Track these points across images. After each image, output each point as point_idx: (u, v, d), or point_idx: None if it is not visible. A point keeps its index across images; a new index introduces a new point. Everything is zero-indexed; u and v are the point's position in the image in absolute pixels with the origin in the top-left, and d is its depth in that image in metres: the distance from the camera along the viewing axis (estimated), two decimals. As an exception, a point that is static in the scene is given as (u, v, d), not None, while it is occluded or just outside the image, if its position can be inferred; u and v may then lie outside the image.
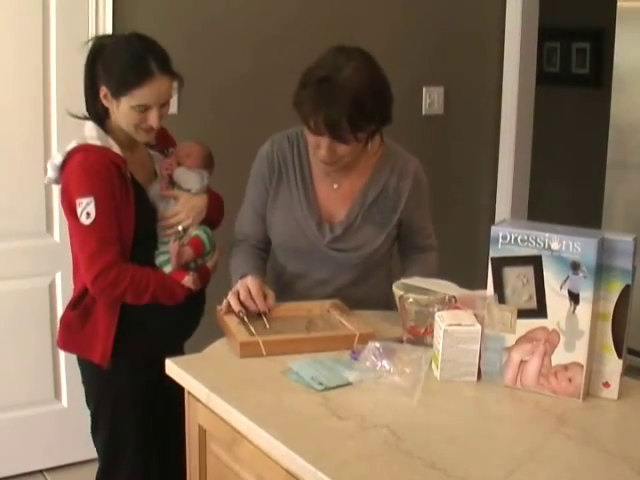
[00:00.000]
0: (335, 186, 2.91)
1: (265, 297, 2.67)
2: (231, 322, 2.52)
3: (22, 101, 3.59)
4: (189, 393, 2.30)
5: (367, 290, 2.92)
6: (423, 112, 4.66)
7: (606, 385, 2.14)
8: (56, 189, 3.64)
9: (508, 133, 4.88)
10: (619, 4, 4.19)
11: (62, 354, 3.73)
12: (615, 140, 4.36)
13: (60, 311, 3.75)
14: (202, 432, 2.29)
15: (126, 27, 3.48)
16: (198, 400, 2.24)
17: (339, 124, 2.61)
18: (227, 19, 3.94)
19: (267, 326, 2.57)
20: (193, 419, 2.32)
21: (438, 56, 4.64)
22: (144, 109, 2.72)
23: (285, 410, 2.05)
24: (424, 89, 4.63)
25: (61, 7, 3.58)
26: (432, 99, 4.66)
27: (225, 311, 2.63)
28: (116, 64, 2.73)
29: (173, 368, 2.34)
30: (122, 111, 2.74)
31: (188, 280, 2.82)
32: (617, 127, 4.34)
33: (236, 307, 2.61)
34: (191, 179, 2.94)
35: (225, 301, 2.65)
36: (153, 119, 2.74)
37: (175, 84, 2.81)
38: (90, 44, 2.82)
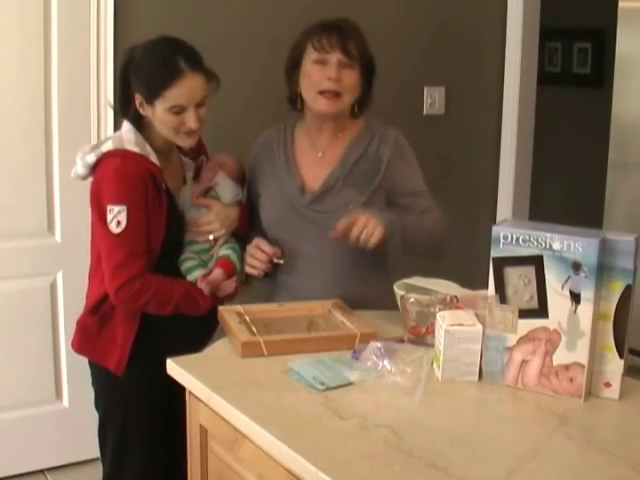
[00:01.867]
0: (320, 154, 2.99)
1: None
2: (232, 322, 2.52)
3: (24, 101, 3.60)
4: (190, 393, 2.30)
5: (365, 289, 2.92)
6: (424, 112, 4.65)
7: (607, 385, 2.14)
8: (58, 189, 3.66)
9: (509, 133, 4.87)
10: (620, 4, 4.19)
11: (64, 354, 3.74)
12: (616, 140, 4.36)
13: (61, 310, 3.76)
14: (203, 432, 2.29)
15: (128, 32, 3.50)
16: (199, 400, 2.24)
17: (348, 40, 2.86)
18: (229, 27, 3.94)
19: (281, 262, 2.83)
20: (194, 419, 2.32)
21: (439, 56, 4.64)
22: (179, 110, 2.70)
23: (286, 410, 2.05)
24: (425, 89, 4.62)
25: (63, 10, 3.57)
26: (433, 99, 4.66)
27: (255, 272, 2.86)
28: (146, 69, 2.71)
29: (174, 368, 2.34)
30: (159, 116, 2.72)
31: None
32: (618, 127, 4.34)
33: (250, 265, 2.86)
34: (229, 188, 2.95)
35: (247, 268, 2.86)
36: (191, 120, 2.71)
37: (211, 84, 2.79)
38: (123, 57, 2.82)
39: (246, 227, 3.03)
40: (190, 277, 2.81)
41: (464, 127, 4.81)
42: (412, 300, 2.44)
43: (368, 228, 2.67)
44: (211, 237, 2.87)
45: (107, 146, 2.74)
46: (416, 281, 2.62)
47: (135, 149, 2.72)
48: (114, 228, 2.65)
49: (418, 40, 4.52)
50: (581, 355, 2.10)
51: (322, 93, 2.85)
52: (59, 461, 3.93)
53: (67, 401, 3.89)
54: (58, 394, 3.88)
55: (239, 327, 2.48)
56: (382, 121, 3.08)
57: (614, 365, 2.13)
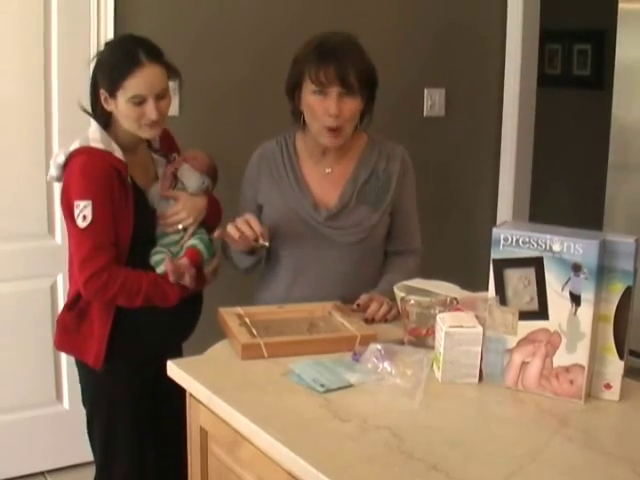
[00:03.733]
0: (328, 170, 3.00)
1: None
2: (233, 323, 2.52)
3: (24, 103, 3.60)
4: (190, 395, 2.30)
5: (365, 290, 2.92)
6: (424, 114, 4.65)
7: (607, 387, 2.14)
8: (58, 190, 3.65)
9: (509, 135, 4.88)
10: (620, 5, 4.19)
11: (64, 356, 3.73)
12: (616, 141, 4.35)
13: (62, 313, 3.76)
14: (204, 434, 2.29)
15: (127, 31, 3.50)
16: (199, 402, 2.24)
17: (348, 73, 2.79)
18: (229, 23, 3.94)
19: (265, 244, 2.77)
20: (194, 421, 2.32)
21: (439, 57, 4.64)
22: (140, 101, 2.75)
23: (286, 412, 2.05)
24: (425, 91, 4.62)
25: (63, 9, 3.58)
26: (433, 101, 4.66)
27: (219, 234, 2.82)
28: (108, 62, 2.79)
29: (174, 370, 2.34)
30: (121, 109, 2.77)
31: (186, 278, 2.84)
32: (618, 128, 4.34)
33: (232, 229, 2.75)
34: (192, 178, 2.96)
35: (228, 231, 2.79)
36: (151, 111, 2.76)
37: (175, 83, 2.87)
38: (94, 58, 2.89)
39: (217, 217, 3.08)
40: (159, 270, 2.83)
41: (464, 129, 4.82)
42: (412, 302, 2.44)
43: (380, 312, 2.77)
44: (180, 227, 2.90)
45: (74, 145, 2.80)
46: (416, 283, 2.62)
47: (100, 146, 2.77)
48: (80, 222, 2.71)
49: (418, 42, 4.52)
50: (581, 357, 2.10)
51: (325, 128, 2.85)
52: (59, 463, 3.93)
53: (67, 403, 3.89)
54: (58, 396, 3.88)
55: (239, 329, 2.49)
56: (384, 137, 3.09)
57: (614, 367, 2.13)
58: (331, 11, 4.00)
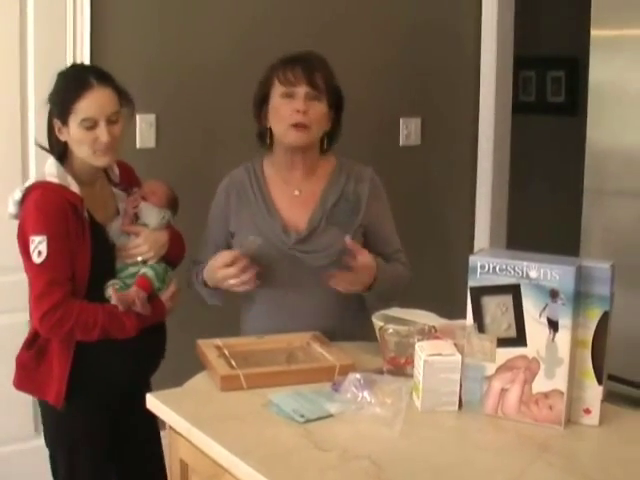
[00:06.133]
0: (296, 192, 3.00)
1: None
2: (211, 355, 2.52)
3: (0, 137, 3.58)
4: (170, 427, 2.29)
5: (343, 323, 2.92)
6: (400, 143, 4.66)
7: (587, 412, 2.15)
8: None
9: (485, 162, 4.89)
10: (592, 33, 4.22)
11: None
12: (591, 167, 4.37)
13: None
14: (184, 466, 2.28)
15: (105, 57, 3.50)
16: (179, 434, 2.23)
17: (314, 72, 2.89)
18: (208, 54, 3.95)
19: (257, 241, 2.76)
20: (174, 453, 2.31)
21: (414, 87, 4.66)
22: (91, 125, 2.74)
23: (267, 443, 2.05)
24: (401, 120, 4.64)
25: (39, 37, 3.57)
26: (409, 130, 4.67)
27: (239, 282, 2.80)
28: (57, 89, 2.80)
29: (153, 402, 2.33)
30: (73, 134, 2.76)
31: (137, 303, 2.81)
32: (593, 154, 4.36)
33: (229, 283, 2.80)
34: (151, 214, 2.95)
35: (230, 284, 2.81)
36: (102, 134, 2.74)
37: (125, 104, 2.86)
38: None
39: (179, 250, 3.08)
40: (113, 301, 2.79)
41: (440, 157, 4.83)
42: (391, 331, 2.45)
43: (362, 271, 2.78)
44: (139, 259, 2.89)
45: (30, 181, 2.81)
46: (394, 312, 2.62)
47: (55, 180, 2.76)
48: (36, 258, 2.69)
49: (393, 71, 4.54)
50: (560, 382, 2.11)
51: (292, 126, 2.87)
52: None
53: (46, 438, 3.86)
54: (37, 430, 3.85)
55: (218, 361, 2.48)
56: (354, 160, 3.10)
57: (593, 392, 2.14)
58: (301, 45, 4.00)
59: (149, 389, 2.80)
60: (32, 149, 3.61)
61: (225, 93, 3.99)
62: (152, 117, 3.76)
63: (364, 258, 2.78)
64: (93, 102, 2.74)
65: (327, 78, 2.92)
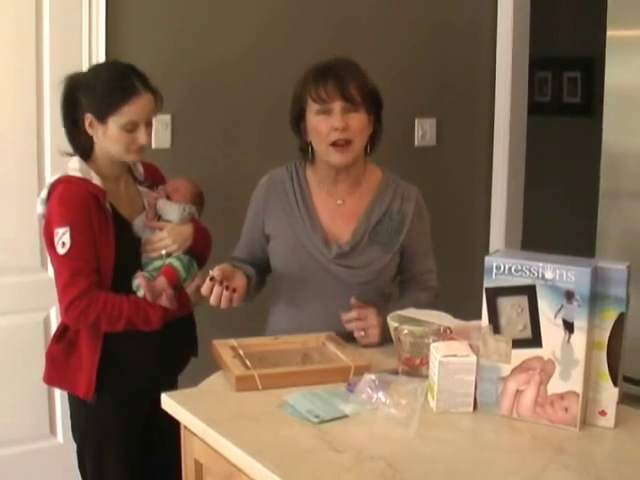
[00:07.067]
0: (339, 202, 2.96)
1: (232, 275, 2.72)
2: (227, 356, 2.52)
3: (16, 138, 3.59)
4: (185, 427, 2.29)
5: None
6: (415, 144, 4.66)
7: (602, 413, 2.14)
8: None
9: (501, 163, 4.88)
10: (609, 33, 4.20)
11: (57, 389, 3.72)
12: (607, 168, 4.36)
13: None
14: (198, 466, 2.28)
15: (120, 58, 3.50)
16: (194, 434, 2.23)
17: (349, 87, 2.79)
18: (222, 50, 3.95)
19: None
20: (189, 453, 2.31)
21: (430, 88, 4.65)
22: (133, 127, 2.78)
23: (281, 443, 2.05)
24: (416, 121, 4.63)
25: (55, 38, 3.58)
26: (424, 131, 4.67)
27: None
28: (100, 87, 2.80)
29: (168, 402, 2.33)
30: (111, 134, 2.79)
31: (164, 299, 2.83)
32: (609, 155, 4.34)
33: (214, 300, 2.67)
34: (171, 211, 2.97)
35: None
36: (142, 136, 2.80)
37: (158, 104, 2.90)
38: (64, 83, 2.87)
39: (205, 245, 3.08)
40: (140, 293, 2.83)
41: (456, 158, 4.83)
42: (406, 331, 2.44)
43: (367, 331, 2.77)
44: (163, 252, 2.91)
45: (54, 177, 2.85)
46: (410, 312, 2.62)
47: (77, 174, 2.80)
48: (60, 249, 2.73)
49: (408, 72, 4.54)
50: (576, 384, 2.10)
51: (333, 145, 2.82)
52: (54, 498, 3.90)
53: (61, 437, 3.86)
54: (52, 430, 3.86)
55: (233, 361, 2.48)
56: (399, 175, 3.07)
57: (609, 393, 2.13)
58: (324, 46, 4.00)
59: (176, 388, 2.80)
60: (48, 150, 3.63)
61: (240, 94, 3.99)
62: (167, 118, 3.76)
63: (369, 322, 2.78)
64: (139, 107, 2.78)
65: (362, 86, 2.84)
